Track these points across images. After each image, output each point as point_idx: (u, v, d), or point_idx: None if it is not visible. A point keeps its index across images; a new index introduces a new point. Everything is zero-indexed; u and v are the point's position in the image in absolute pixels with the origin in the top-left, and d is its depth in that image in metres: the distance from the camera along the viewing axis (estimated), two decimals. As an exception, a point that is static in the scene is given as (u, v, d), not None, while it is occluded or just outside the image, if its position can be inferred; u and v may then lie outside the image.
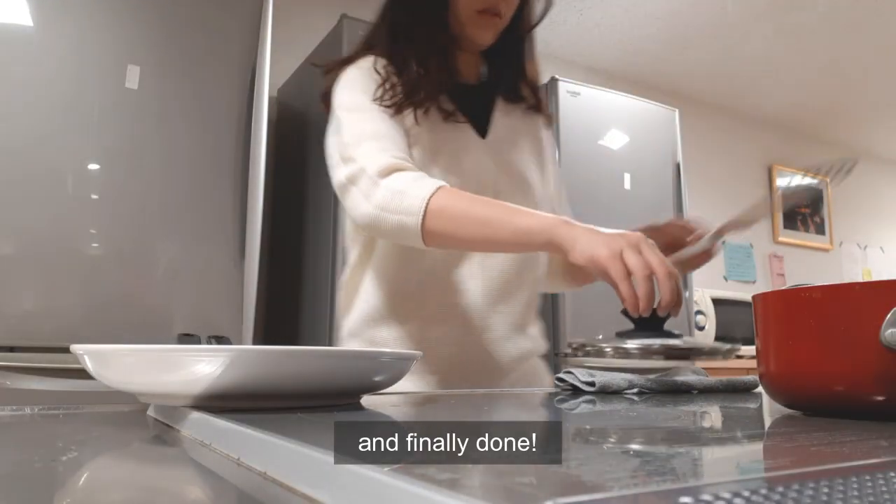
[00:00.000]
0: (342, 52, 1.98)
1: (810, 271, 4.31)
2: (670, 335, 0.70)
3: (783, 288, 0.50)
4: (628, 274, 0.68)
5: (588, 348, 0.71)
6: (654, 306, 0.68)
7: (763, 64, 3.58)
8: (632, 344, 0.68)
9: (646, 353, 0.67)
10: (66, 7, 1.58)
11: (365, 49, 0.96)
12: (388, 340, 0.91)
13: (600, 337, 0.80)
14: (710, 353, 0.69)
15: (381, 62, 0.92)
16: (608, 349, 0.68)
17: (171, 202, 1.65)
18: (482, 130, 0.95)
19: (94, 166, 1.57)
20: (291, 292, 2.22)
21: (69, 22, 1.58)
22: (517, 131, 0.99)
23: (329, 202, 1.97)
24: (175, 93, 1.68)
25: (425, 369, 0.88)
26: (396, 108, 0.89)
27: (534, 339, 0.98)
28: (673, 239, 0.90)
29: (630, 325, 0.73)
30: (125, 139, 1.60)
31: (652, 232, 0.81)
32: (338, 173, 0.85)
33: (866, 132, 4.57)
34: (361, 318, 0.94)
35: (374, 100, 0.89)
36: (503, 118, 0.98)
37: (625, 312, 0.71)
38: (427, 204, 0.77)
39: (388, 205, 0.79)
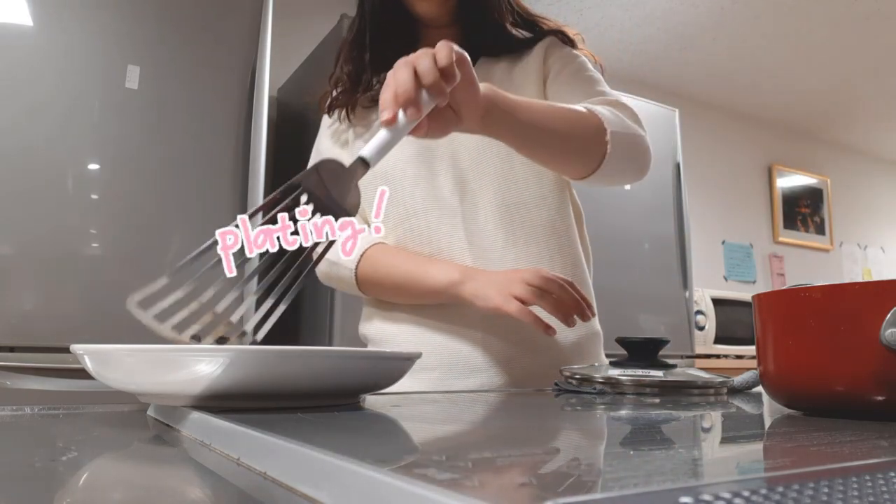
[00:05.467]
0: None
1: (810, 271, 4.32)
2: (665, 366, 0.70)
3: (783, 288, 0.49)
4: (526, 306, 0.77)
5: (579, 376, 0.71)
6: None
7: (763, 64, 3.58)
8: (623, 377, 0.68)
9: (638, 386, 0.67)
10: (66, 7, 1.58)
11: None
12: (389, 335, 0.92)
13: (595, 365, 0.80)
14: (704, 387, 0.69)
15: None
16: (599, 379, 0.69)
17: (171, 202, 1.65)
18: None
19: (94, 166, 1.57)
20: (291, 292, 2.22)
21: (69, 22, 1.58)
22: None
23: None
24: (175, 93, 1.68)
25: (423, 366, 0.88)
26: (329, 112, 0.97)
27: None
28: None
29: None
30: (125, 139, 1.60)
31: None
32: None
33: (866, 132, 4.57)
34: (369, 310, 0.97)
35: (324, 112, 0.99)
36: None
37: (619, 340, 0.71)
38: (356, 276, 0.89)
39: (330, 274, 0.92)
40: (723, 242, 3.93)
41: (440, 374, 0.88)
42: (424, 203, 0.90)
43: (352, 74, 0.95)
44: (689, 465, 0.24)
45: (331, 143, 0.98)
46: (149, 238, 1.60)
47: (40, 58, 1.54)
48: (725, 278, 3.89)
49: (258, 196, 1.73)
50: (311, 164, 0.98)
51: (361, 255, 0.89)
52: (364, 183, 0.89)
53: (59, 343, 1.43)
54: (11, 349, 1.42)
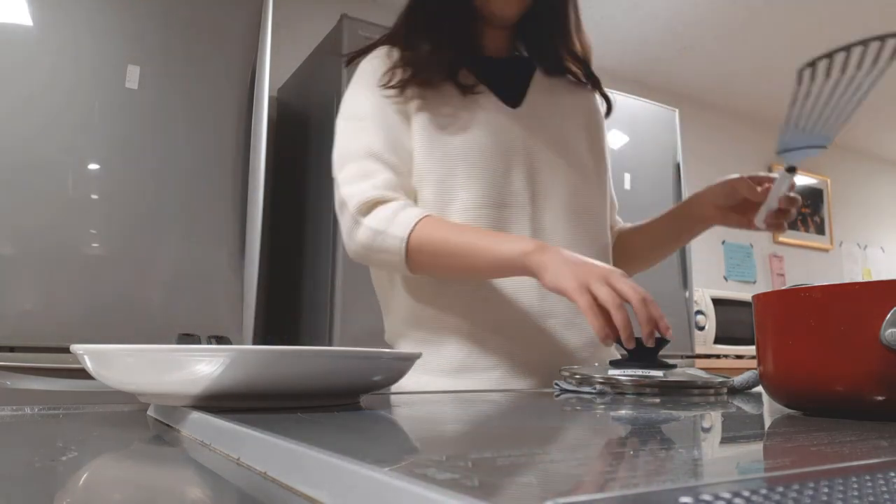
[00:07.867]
0: (342, 52, 1.98)
1: (810, 271, 4.32)
2: (665, 366, 0.69)
3: (783, 288, 0.49)
4: (597, 305, 0.69)
5: (579, 377, 0.71)
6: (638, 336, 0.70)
7: (763, 64, 3.58)
8: (623, 378, 0.68)
9: (638, 386, 0.67)
10: (66, 7, 1.58)
11: (385, 39, 0.96)
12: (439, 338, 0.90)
13: (596, 365, 0.80)
14: (704, 387, 0.69)
15: (396, 51, 0.93)
16: (599, 379, 0.69)
17: (172, 202, 1.65)
18: (514, 102, 0.94)
19: (94, 166, 1.57)
20: (291, 292, 2.22)
21: (69, 22, 1.58)
22: (562, 103, 0.97)
23: (329, 202, 1.97)
24: (175, 93, 1.68)
25: (484, 365, 0.87)
26: (401, 89, 0.89)
27: None
28: (744, 199, 0.91)
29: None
30: (125, 139, 1.60)
31: (721, 190, 0.92)
32: (335, 191, 0.89)
33: (866, 132, 4.57)
34: (406, 316, 0.91)
35: (380, 85, 0.89)
36: (541, 90, 0.96)
37: (618, 341, 0.71)
38: (407, 243, 0.80)
39: (372, 244, 0.83)
40: (723, 242, 3.93)
41: (501, 374, 0.87)
42: (494, 194, 0.88)
43: (440, 54, 0.91)
44: (689, 465, 0.24)
45: (392, 110, 0.89)
46: (149, 238, 1.60)
47: (40, 58, 1.54)
48: (725, 278, 3.89)
49: (258, 196, 1.73)
50: (347, 132, 0.90)
51: (416, 224, 0.81)
52: (439, 156, 0.88)
53: (59, 343, 1.43)
54: (11, 349, 1.42)
